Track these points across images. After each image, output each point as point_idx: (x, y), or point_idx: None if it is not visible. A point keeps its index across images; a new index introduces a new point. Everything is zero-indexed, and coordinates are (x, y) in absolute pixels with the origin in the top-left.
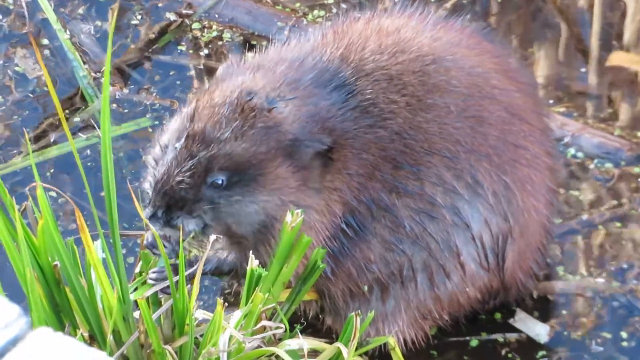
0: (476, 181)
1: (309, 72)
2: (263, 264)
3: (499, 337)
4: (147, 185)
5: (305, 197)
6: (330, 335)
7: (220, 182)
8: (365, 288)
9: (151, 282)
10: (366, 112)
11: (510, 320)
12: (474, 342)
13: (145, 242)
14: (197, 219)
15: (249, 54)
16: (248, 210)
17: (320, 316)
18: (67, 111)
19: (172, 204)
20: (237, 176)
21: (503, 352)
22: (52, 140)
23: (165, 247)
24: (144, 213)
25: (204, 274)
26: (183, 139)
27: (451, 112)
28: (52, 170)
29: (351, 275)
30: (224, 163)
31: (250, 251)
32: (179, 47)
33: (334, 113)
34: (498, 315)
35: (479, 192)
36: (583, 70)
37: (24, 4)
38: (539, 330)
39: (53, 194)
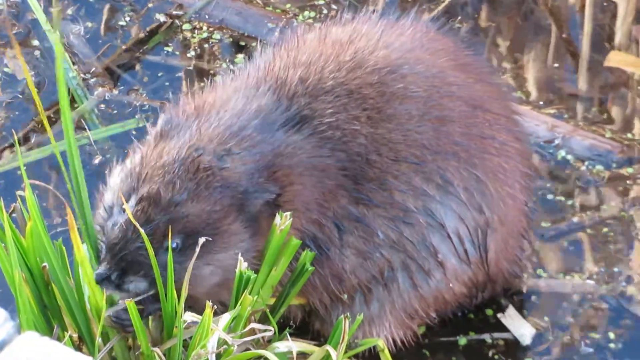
0: (446, 180)
1: (253, 117)
2: (218, 311)
3: (487, 337)
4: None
5: (259, 244)
6: (320, 338)
7: (174, 245)
8: (345, 296)
9: (112, 319)
10: (324, 138)
11: (499, 315)
12: (462, 341)
13: (111, 319)
14: (149, 280)
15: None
16: (203, 272)
17: (307, 320)
18: (56, 112)
19: (128, 268)
20: (192, 239)
21: (490, 353)
22: (38, 140)
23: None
24: (94, 275)
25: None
26: (134, 201)
27: (413, 118)
28: (41, 170)
29: (323, 288)
30: (181, 227)
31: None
32: (169, 48)
33: (282, 151)
34: (490, 312)
35: (450, 191)
36: (574, 72)
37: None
38: (524, 332)
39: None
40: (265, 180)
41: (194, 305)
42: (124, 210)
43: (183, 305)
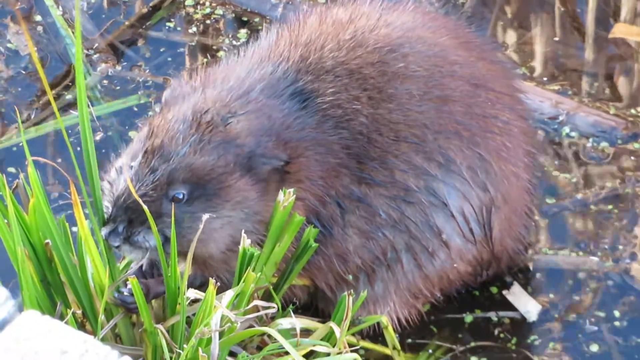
0: (448, 159)
1: (257, 83)
2: (227, 284)
3: (492, 315)
4: (105, 206)
5: (267, 209)
6: (324, 315)
7: (180, 196)
8: (350, 277)
9: (116, 298)
10: (327, 115)
11: (505, 292)
12: (468, 318)
13: (114, 298)
14: (158, 234)
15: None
16: (212, 226)
17: (311, 301)
18: (59, 88)
19: (134, 218)
20: (198, 191)
21: (496, 331)
22: (40, 117)
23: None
24: (102, 231)
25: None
26: (140, 156)
27: (413, 97)
28: (43, 147)
29: (328, 269)
30: (185, 176)
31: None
32: (172, 24)
33: (290, 124)
34: (494, 290)
35: (453, 169)
36: (579, 47)
37: None
38: (530, 308)
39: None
40: (274, 145)
41: (206, 271)
42: (130, 168)
43: (192, 266)
